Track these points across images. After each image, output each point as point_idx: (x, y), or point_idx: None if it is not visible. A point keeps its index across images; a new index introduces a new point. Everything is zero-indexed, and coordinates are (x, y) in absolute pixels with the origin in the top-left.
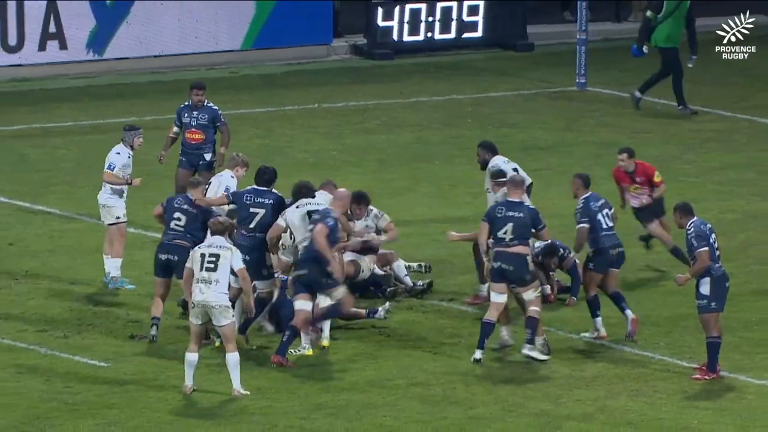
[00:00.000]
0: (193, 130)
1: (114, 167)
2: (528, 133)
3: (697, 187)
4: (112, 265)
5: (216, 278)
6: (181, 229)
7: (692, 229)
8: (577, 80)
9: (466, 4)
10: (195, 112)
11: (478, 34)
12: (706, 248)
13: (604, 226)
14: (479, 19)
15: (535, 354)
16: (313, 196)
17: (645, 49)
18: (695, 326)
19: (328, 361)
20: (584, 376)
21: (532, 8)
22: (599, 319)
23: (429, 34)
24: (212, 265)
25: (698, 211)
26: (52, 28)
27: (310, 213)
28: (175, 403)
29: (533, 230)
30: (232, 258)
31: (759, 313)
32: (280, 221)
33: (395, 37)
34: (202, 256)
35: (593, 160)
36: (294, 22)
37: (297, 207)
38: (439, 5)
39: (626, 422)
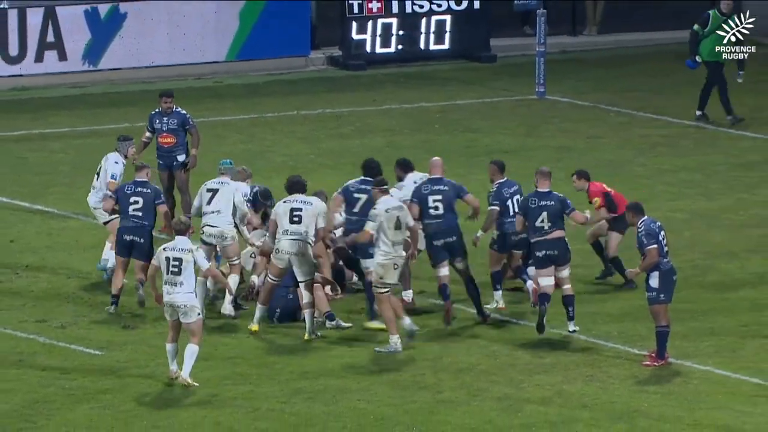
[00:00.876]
0: (165, 134)
1: (116, 177)
2: (492, 138)
3: (648, 188)
4: (111, 255)
5: (181, 280)
6: (140, 213)
7: (642, 227)
8: (537, 89)
9: (434, 18)
10: (165, 118)
11: (445, 46)
12: (655, 245)
13: (511, 212)
14: (446, 32)
15: (576, 327)
16: (304, 192)
17: (698, 59)
18: (645, 316)
19: (305, 348)
20: (543, 363)
21: (495, 22)
22: (499, 292)
23: (399, 47)
24: (176, 269)
25: (649, 210)
26: (50, 40)
27: (293, 209)
28: (163, 388)
29: (564, 214)
30: (195, 258)
31: (704, 304)
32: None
33: (368, 49)
34: (167, 259)
35: (553, 163)
36: (274, 35)
37: (285, 202)
38: (409, 20)
39: (581, 405)
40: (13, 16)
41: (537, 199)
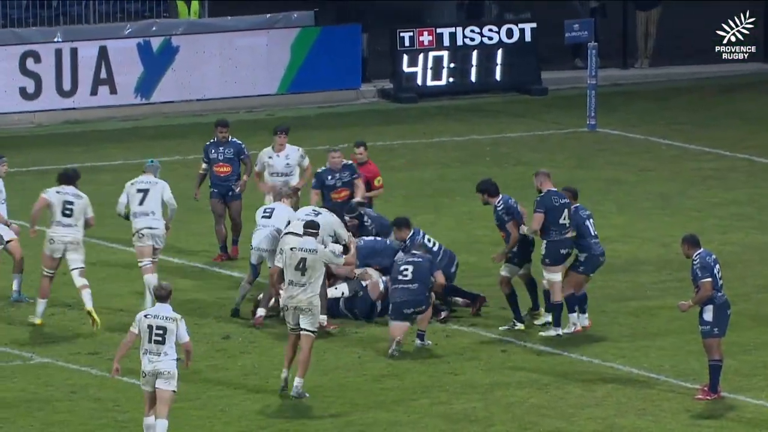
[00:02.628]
0: (221, 164)
1: None
2: None
3: (699, 221)
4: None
5: (165, 350)
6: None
7: (698, 260)
8: (588, 122)
9: (485, 51)
10: (221, 148)
11: (496, 79)
12: (709, 279)
13: (593, 232)
14: (497, 65)
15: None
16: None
17: None
18: (698, 350)
19: (356, 381)
20: (595, 396)
21: (546, 55)
22: (574, 315)
23: (450, 80)
24: (160, 338)
25: (701, 243)
26: (103, 75)
27: (65, 202)
28: (215, 422)
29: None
30: (177, 329)
31: (757, 338)
32: None
33: (419, 81)
34: (150, 327)
35: (603, 196)
36: (326, 68)
37: (57, 192)
38: (460, 53)
39: None
40: (66, 51)
41: (557, 197)
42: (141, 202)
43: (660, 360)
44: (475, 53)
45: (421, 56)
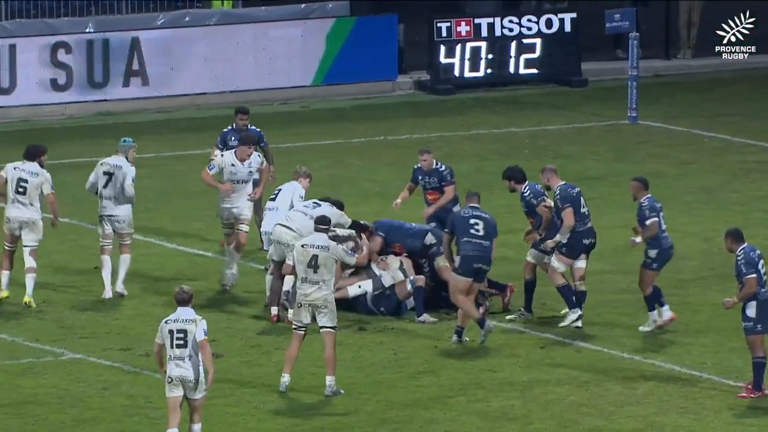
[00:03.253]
0: None
1: None
2: (582, 163)
3: (744, 215)
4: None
5: (189, 353)
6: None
7: (742, 255)
8: (629, 114)
9: (523, 42)
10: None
11: (535, 70)
12: (755, 275)
13: (663, 226)
14: (536, 56)
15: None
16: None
17: None
18: (741, 347)
19: (392, 378)
20: (635, 394)
21: (586, 46)
22: (655, 312)
23: (488, 71)
24: (182, 341)
25: (745, 237)
26: (135, 66)
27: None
28: (249, 419)
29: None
30: (196, 330)
31: None
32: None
33: (456, 73)
34: (171, 332)
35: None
36: (361, 59)
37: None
38: (499, 43)
39: None
40: (98, 41)
41: (572, 189)
42: (105, 185)
43: (702, 357)
44: (513, 44)
45: (458, 47)
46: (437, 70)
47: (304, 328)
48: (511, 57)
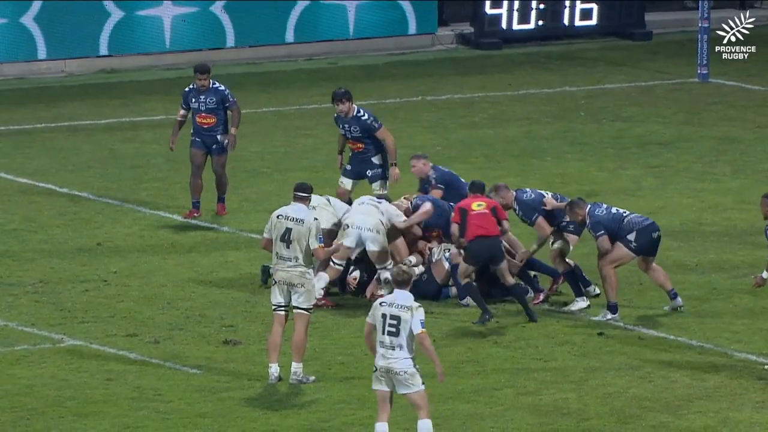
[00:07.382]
0: (204, 114)
1: None
2: (645, 127)
3: None
4: None
5: (399, 343)
6: None
7: None
8: (699, 71)
9: None
10: (202, 96)
11: (593, 22)
12: None
13: None
14: (594, 6)
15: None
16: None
17: None
18: None
19: (432, 368)
20: (705, 387)
21: None
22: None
23: (540, 23)
24: (394, 329)
25: None
26: None
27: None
28: (269, 413)
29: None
30: (412, 320)
31: None
32: None
33: (504, 25)
34: (384, 316)
35: (715, 156)
36: (396, 10)
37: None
38: None
39: None
40: None
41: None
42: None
43: None
44: None
45: None
46: (482, 22)
47: (283, 309)
48: (565, 7)
